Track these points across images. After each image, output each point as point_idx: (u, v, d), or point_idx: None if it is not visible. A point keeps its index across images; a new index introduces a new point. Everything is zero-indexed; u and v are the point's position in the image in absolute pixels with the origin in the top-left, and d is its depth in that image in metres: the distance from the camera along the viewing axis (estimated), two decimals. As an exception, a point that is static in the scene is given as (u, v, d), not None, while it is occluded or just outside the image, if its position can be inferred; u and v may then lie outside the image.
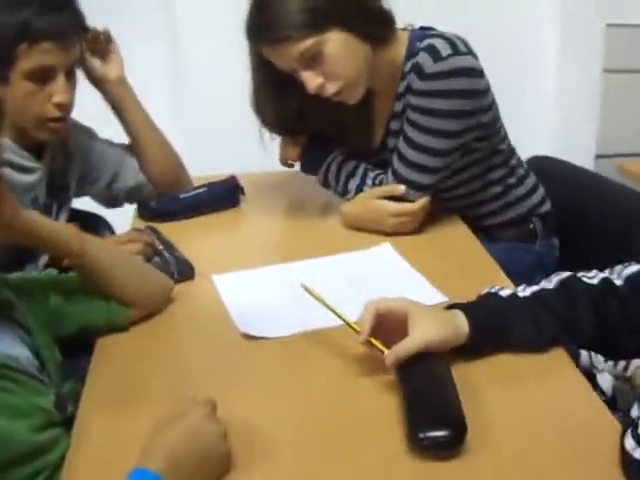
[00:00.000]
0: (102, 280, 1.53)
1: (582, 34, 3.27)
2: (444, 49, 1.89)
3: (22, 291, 1.45)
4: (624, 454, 1.10)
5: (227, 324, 1.58)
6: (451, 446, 1.16)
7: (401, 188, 1.98)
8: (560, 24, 3.38)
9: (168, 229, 2.00)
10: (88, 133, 2.17)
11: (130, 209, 2.25)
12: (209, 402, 1.18)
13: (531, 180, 2.20)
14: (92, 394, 1.37)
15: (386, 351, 1.32)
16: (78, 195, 2.18)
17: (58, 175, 2.04)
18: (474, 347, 1.37)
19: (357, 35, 1.88)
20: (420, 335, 1.31)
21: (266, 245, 2.10)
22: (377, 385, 1.34)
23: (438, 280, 1.70)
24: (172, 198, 2.18)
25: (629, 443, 1.10)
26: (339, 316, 1.41)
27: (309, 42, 1.84)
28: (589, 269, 1.48)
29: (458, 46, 1.90)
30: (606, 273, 1.45)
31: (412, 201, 1.99)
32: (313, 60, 1.87)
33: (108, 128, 2.17)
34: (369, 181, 2.07)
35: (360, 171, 2.10)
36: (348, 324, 1.39)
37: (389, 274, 1.78)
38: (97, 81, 2.08)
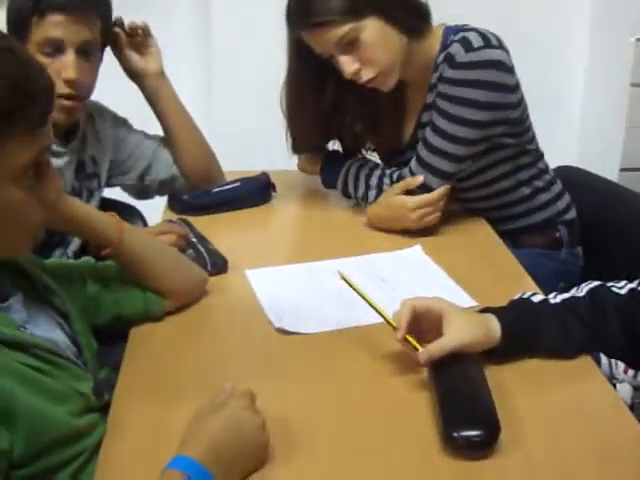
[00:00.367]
0: (139, 269, 1.54)
1: (611, 48, 3.27)
2: (476, 41, 1.93)
3: (60, 277, 1.46)
4: None
5: (260, 318, 1.60)
6: (484, 446, 1.18)
7: (419, 179, 2.01)
8: (589, 38, 3.41)
9: (199, 222, 2.01)
10: (123, 124, 2.19)
11: (160, 202, 2.27)
12: (248, 393, 1.19)
13: (557, 186, 2.22)
14: (127, 382, 1.39)
15: (420, 349, 1.34)
16: (110, 185, 2.20)
17: (88, 162, 2.05)
18: (505, 351, 1.39)
19: (393, 24, 1.93)
20: (455, 335, 1.33)
21: (297, 242, 2.13)
22: (409, 383, 1.36)
23: (467, 283, 1.72)
24: (205, 192, 2.19)
25: None
26: (376, 309, 1.42)
27: (347, 27, 1.89)
28: (612, 280, 1.50)
29: (490, 39, 1.95)
30: (634, 283, 1.47)
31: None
32: (350, 45, 1.92)
33: (144, 122, 2.19)
34: (387, 179, 2.09)
35: (378, 171, 2.13)
36: (385, 319, 1.41)
37: (420, 276, 1.80)
38: (135, 75, 2.10)
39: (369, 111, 2.17)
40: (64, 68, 1.80)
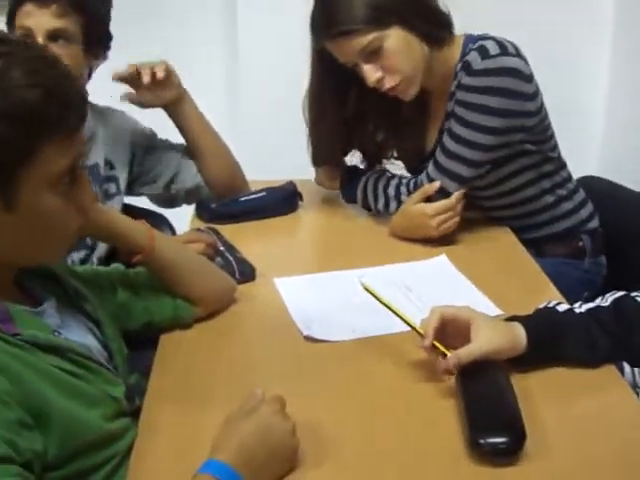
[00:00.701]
0: (170, 276, 1.56)
1: (635, 53, 3.26)
2: (493, 49, 1.96)
3: (90, 283, 1.48)
4: None
5: (289, 326, 1.62)
6: (510, 452, 1.19)
7: (436, 185, 2.03)
8: (613, 47, 3.40)
9: (227, 231, 2.03)
10: (148, 132, 2.21)
11: (187, 210, 2.28)
12: (278, 399, 1.20)
13: (580, 195, 2.23)
14: (158, 387, 1.41)
15: (449, 354, 1.36)
16: (136, 194, 2.22)
17: (103, 165, 2.06)
18: (530, 359, 1.40)
19: (416, 34, 1.97)
20: (483, 342, 1.35)
21: (324, 252, 2.14)
22: (436, 390, 1.38)
23: (492, 292, 1.73)
24: (232, 200, 2.20)
25: None
26: (400, 317, 1.43)
27: (371, 36, 1.93)
28: (636, 289, 1.50)
29: (507, 47, 1.97)
30: (658, 293, 1.49)
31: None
32: (374, 54, 1.96)
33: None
34: (403, 188, 2.12)
35: (394, 181, 2.16)
36: (411, 326, 1.42)
37: (446, 285, 1.81)
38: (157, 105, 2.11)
39: (392, 119, 2.20)
40: None
